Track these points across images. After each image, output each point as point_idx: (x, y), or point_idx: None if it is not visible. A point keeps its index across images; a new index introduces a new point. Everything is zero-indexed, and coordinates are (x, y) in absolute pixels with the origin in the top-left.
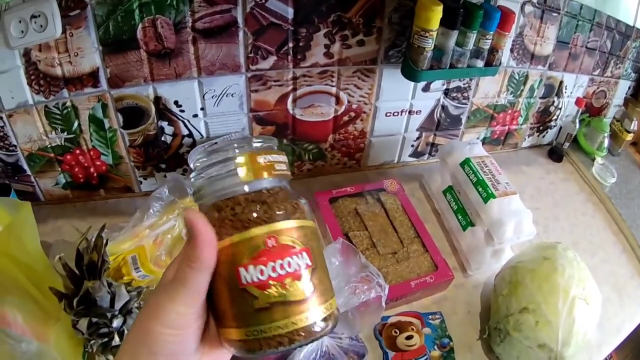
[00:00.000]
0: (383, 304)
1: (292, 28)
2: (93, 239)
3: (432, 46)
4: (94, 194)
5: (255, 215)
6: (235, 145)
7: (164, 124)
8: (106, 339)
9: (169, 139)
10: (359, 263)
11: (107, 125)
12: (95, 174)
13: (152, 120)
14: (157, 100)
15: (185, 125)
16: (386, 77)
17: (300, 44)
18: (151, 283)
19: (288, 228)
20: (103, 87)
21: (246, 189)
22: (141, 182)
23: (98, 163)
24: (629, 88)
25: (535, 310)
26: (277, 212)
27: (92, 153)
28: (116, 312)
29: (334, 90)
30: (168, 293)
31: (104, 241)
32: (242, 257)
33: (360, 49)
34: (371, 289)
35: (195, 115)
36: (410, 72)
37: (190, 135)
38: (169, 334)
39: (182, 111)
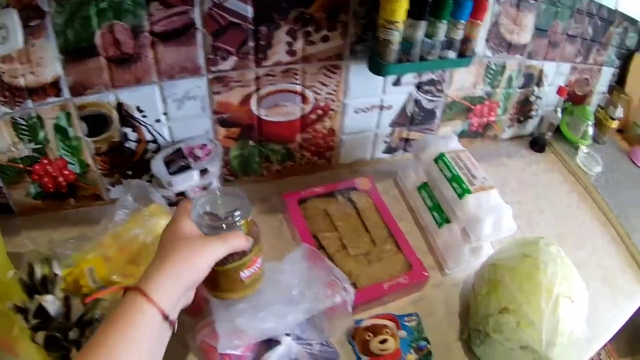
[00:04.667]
0: (349, 308)
1: (253, 27)
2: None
3: (400, 39)
4: (64, 203)
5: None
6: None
7: (128, 130)
8: (64, 352)
9: (133, 145)
10: (324, 267)
11: (72, 134)
12: (64, 183)
13: (116, 127)
14: (120, 106)
15: (149, 131)
16: (354, 73)
17: (262, 42)
18: (114, 294)
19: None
20: (65, 96)
21: None
22: (109, 190)
23: (66, 172)
24: (613, 75)
25: (516, 311)
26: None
27: (59, 162)
28: (72, 325)
29: (299, 88)
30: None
31: (54, 254)
32: (242, 267)
33: (324, 45)
34: (336, 294)
35: (158, 120)
36: (377, 67)
37: (155, 140)
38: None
39: (145, 116)
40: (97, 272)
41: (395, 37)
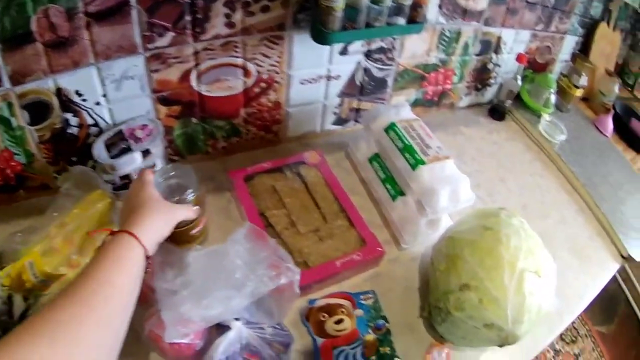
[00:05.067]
0: (296, 289)
1: (189, 0)
2: None
3: (343, 5)
4: (14, 195)
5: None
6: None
7: (69, 115)
8: None
9: (75, 130)
10: (267, 247)
11: (14, 124)
12: (12, 175)
13: (57, 114)
14: (59, 92)
15: (90, 115)
16: (297, 43)
17: (198, 15)
18: (60, 286)
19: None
20: (6, 86)
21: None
22: (57, 178)
23: (13, 163)
24: (577, 43)
25: (478, 287)
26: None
27: (5, 154)
28: (16, 322)
29: (240, 61)
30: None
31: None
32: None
33: (265, 15)
34: (281, 275)
35: (98, 103)
36: (320, 35)
37: (96, 124)
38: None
39: (85, 100)
40: (46, 264)
41: (338, 4)
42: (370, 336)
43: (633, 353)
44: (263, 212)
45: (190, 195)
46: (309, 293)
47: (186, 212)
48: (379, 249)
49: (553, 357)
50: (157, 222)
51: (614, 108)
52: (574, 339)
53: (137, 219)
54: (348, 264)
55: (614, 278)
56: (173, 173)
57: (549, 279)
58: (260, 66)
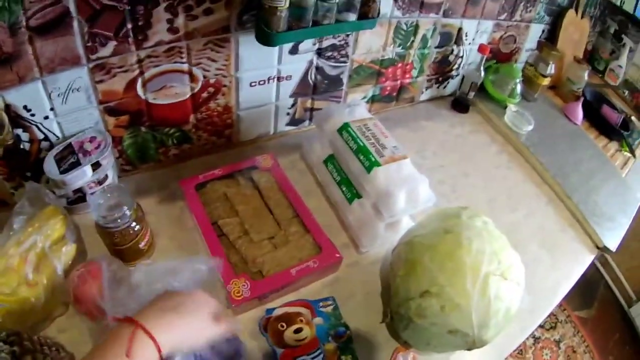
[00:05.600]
0: None
1: (129, 7)
2: None
3: (287, 4)
4: None
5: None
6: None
7: (19, 131)
8: None
9: (27, 145)
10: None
11: None
12: None
13: (8, 130)
14: (8, 108)
15: (39, 129)
16: (244, 45)
17: (140, 23)
18: (12, 309)
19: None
20: None
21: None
22: (13, 194)
23: None
24: (543, 31)
25: (439, 294)
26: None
27: None
28: None
29: (185, 67)
30: None
31: None
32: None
33: (208, 18)
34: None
35: (47, 117)
36: (264, 36)
37: (47, 138)
38: None
39: (33, 115)
40: (5, 284)
41: (282, 4)
42: (331, 345)
43: (616, 336)
44: (215, 221)
45: (127, 211)
46: (266, 302)
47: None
48: (337, 255)
49: (533, 344)
50: (191, 326)
51: (583, 95)
52: (553, 325)
53: (153, 311)
54: (304, 271)
55: (592, 263)
56: (109, 195)
57: (516, 279)
58: (207, 70)
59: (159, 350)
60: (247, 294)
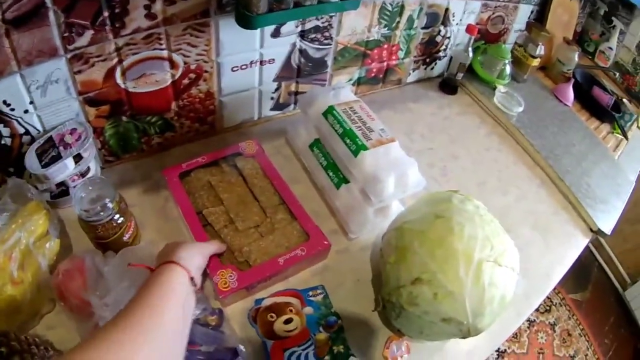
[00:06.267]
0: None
1: None
2: None
3: None
4: None
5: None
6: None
7: (0, 126)
8: None
9: (8, 140)
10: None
11: None
12: None
13: None
14: None
15: (20, 124)
16: (224, 29)
17: (117, 10)
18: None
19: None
20: None
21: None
22: None
23: None
24: (532, 12)
25: (431, 281)
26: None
27: None
28: None
29: (165, 53)
30: None
31: None
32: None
33: (186, 3)
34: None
35: (27, 111)
36: (244, 19)
37: (28, 132)
38: None
39: (13, 109)
40: None
41: None
42: (322, 335)
43: (611, 319)
44: (200, 210)
45: (109, 204)
46: (254, 292)
47: (215, 246)
48: (325, 242)
49: (528, 327)
50: (192, 251)
51: (574, 77)
52: (547, 308)
53: (175, 252)
54: (292, 260)
55: (585, 246)
56: (91, 187)
57: (511, 264)
58: (187, 56)
59: (189, 272)
60: (235, 285)
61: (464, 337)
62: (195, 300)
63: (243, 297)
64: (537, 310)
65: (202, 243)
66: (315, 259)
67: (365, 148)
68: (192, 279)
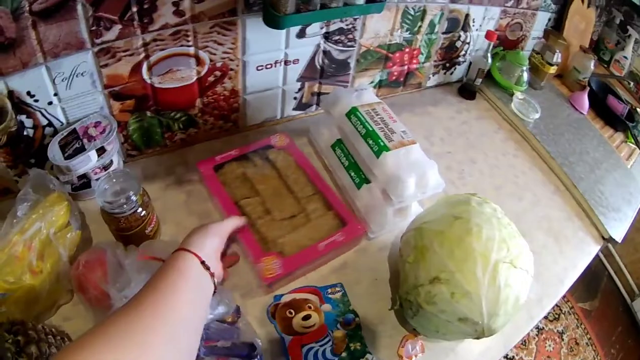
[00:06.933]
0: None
1: None
2: None
3: None
4: None
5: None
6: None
7: (23, 117)
8: None
9: (31, 132)
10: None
11: None
12: None
13: (11, 116)
14: (11, 94)
15: (43, 115)
16: (250, 28)
17: (145, 6)
18: (17, 298)
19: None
20: None
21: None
22: (17, 181)
23: None
24: (549, 20)
25: (449, 281)
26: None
27: None
28: None
29: (191, 50)
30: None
31: None
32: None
33: (214, 1)
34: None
35: (50, 103)
36: (272, 19)
37: (51, 124)
38: None
39: (37, 101)
40: (10, 273)
41: None
42: (340, 332)
43: (619, 329)
44: (237, 201)
45: (132, 197)
46: (274, 290)
47: (233, 222)
48: (360, 227)
49: (536, 335)
50: (203, 235)
51: (589, 85)
52: (556, 316)
53: (186, 239)
54: (331, 245)
55: (596, 254)
56: (115, 180)
57: (526, 267)
58: (213, 54)
59: (199, 257)
60: (280, 271)
61: (477, 338)
62: (212, 284)
63: (280, 286)
64: (546, 318)
65: (217, 223)
66: (352, 244)
67: (388, 149)
68: (202, 262)
